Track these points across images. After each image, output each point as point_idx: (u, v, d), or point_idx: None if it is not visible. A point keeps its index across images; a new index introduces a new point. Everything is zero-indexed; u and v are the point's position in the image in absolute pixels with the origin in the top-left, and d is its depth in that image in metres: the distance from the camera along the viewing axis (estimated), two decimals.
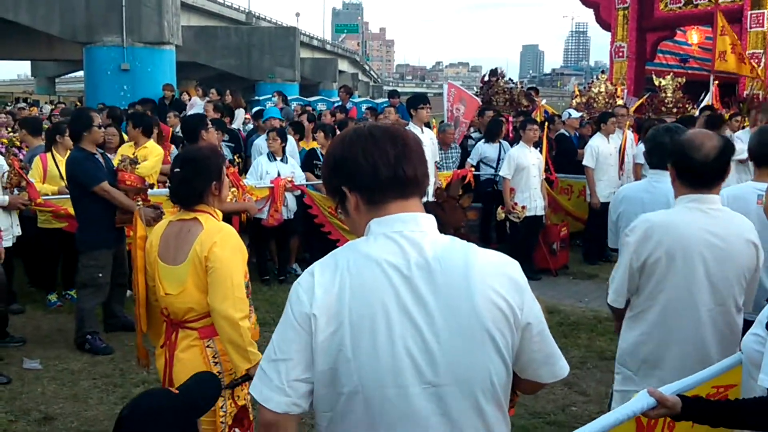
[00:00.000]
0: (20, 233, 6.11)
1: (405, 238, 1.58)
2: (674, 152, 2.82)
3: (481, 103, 11.93)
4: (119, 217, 5.58)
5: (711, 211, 2.72)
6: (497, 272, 1.59)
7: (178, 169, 2.95)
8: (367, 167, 1.59)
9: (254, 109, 12.38)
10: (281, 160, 7.62)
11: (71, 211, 5.90)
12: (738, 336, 2.69)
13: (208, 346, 2.92)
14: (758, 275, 2.82)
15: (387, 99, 13.05)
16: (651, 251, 2.71)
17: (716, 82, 11.45)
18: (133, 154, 6.49)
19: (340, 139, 1.68)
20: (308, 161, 8.21)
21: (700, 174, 2.72)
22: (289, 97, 15.26)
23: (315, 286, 1.56)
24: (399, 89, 26.46)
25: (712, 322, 2.71)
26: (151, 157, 6.77)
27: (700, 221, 2.70)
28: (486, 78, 12.91)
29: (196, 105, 12.50)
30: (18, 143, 7.82)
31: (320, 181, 7.99)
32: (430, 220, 1.63)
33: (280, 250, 7.93)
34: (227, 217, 4.90)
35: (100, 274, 5.58)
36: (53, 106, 20.42)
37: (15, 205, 5.94)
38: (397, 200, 1.61)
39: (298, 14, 60.29)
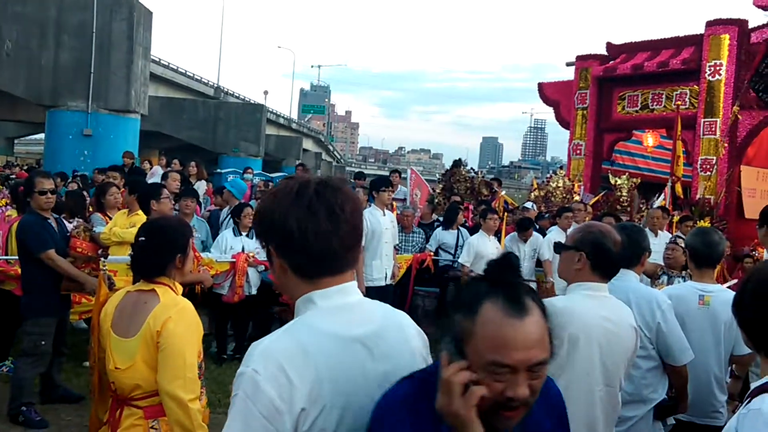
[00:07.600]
0: None
1: (352, 309, 1.60)
2: (591, 244, 2.92)
3: (430, 191, 12.52)
4: (65, 284, 5.39)
5: (603, 298, 2.91)
6: (418, 333, 1.71)
7: (143, 239, 2.84)
8: (298, 241, 1.55)
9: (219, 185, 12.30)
10: (247, 235, 7.48)
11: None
12: (618, 413, 2.95)
13: (152, 427, 2.74)
14: (635, 357, 3.03)
15: (352, 180, 13.16)
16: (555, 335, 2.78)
17: (675, 183, 11.81)
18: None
19: (275, 196, 1.62)
20: None
21: (616, 264, 2.92)
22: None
23: (288, 375, 1.47)
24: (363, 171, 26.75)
25: (601, 402, 2.85)
26: (140, 223, 6.65)
27: (596, 307, 2.87)
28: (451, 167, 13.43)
29: (157, 174, 12.39)
30: None
31: None
32: (356, 284, 1.66)
33: (239, 326, 7.70)
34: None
35: (43, 342, 5.34)
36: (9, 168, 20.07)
37: None
38: (333, 274, 1.59)
39: (266, 92, 60.88)
